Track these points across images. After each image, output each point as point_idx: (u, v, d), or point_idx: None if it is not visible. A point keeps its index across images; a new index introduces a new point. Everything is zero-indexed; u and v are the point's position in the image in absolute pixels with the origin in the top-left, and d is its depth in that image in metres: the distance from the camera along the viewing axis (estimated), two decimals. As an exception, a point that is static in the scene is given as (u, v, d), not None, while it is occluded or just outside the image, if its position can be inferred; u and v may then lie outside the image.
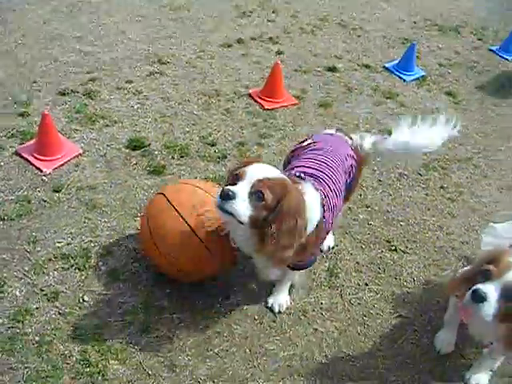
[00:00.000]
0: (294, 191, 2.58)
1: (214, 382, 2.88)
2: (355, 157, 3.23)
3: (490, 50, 6.83)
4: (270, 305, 3.28)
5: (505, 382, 3.18)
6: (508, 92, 6.10)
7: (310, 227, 2.70)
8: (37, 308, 3.07)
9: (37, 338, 2.92)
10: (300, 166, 2.99)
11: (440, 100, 5.65)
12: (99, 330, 3.01)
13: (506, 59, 6.70)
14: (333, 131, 3.38)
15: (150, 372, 2.87)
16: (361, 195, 4.23)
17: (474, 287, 2.44)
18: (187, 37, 5.69)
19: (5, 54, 4.96)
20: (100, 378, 2.79)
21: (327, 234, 3.18)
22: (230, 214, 2.49)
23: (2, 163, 3.92)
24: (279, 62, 4.88)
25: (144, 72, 5.03)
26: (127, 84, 4.84)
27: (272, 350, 3.08)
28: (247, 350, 3.06)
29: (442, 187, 4.52)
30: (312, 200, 2.72)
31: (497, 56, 6.75)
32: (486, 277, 2.48)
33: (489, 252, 2.72)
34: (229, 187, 2.48)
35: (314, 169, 2.97)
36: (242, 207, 2.47)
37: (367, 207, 4.15)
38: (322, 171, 2.96)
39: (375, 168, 4.53)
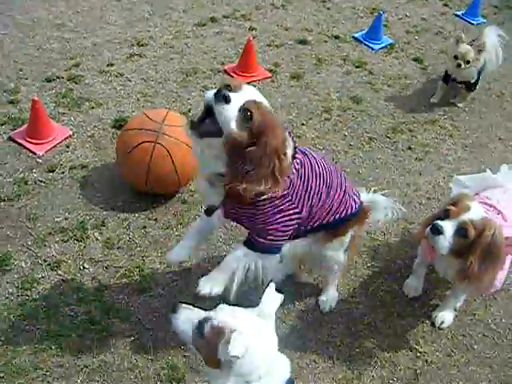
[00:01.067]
0: (279, 125, 2.46)
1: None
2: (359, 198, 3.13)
3: (456, 15, 7.12)
4: None
5: (468, 319, 3.55)
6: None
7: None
8: (42, 277, 3.38)
9: (44, 303, 3.24)
10: None
11: (407, 66, 5.95)
12: (100, 292, 3.33)
13: (471, 23, 7.00)
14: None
15: (148, 327, 3.20)
16: (333, 159, 4.55)
17: (433, 222, 2.86)
18: (162, 18, 5.93)
19: (-11, 45, 5.19)
20: (105, 333, 3.12)
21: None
22: (216, 120, 2.30)
23: (-3, 148, 4.20)
24: (251, 38, 5.13)
25: (124, 55, 5.29)
26: (109, 67, 5.10)
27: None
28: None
29: (409, 148, 4.85)
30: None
31: (462, 21, 7.04)
32: (446, 215, 2.89)
33: (453, 196, 3.19)
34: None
35: None
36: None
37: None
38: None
39: (346, 133, 4.84)
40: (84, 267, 3.47)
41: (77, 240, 3.62)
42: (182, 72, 5.19)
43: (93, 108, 4.64)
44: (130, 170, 3.82)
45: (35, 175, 4.03)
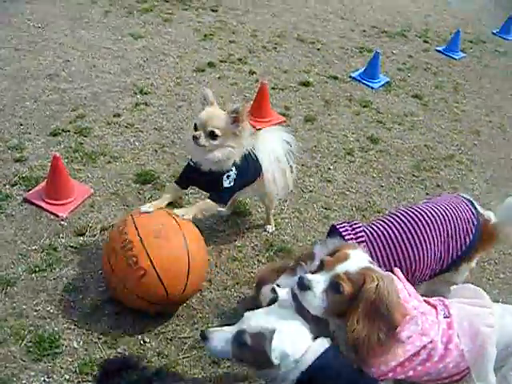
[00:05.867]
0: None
1: None
2: (474, 222, 2.98)
3: (438, 51, 7.22)
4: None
5: None
6: (464, 89, 6.46)
7: None
8: (100, 357, 2.95)
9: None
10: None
11: (409, 103, 5.91)
12: (171, 368, 2.94)
13: (454, 58, 7.10)
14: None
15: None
16: (369, 202, 4.35)
17: (301, 275, 2.34)
18: (158, 65, 5.65)
19: (-21, 99, 4.74)
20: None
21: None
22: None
23: (14, 213, 3.74)
24: (265, 82, 4.92)
25: (129, 104, 4.95)
26: (116, 118, 4.75)
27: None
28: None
29: (437, 185, 4.74)
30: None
31: (445, 56, 7.13)
32: (320, 267, 2.38)
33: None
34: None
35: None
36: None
37: (378, 212, 4.26)
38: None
39: (374, 175, 4.66)
40: (145, 341, 3.07)
41: (129, 310, 3.20)
42: (193, 120, 4.87)
43: (109, 162, 4.26)
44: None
45: (63, 240, 3.60)
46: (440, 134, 5.47)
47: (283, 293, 2.34)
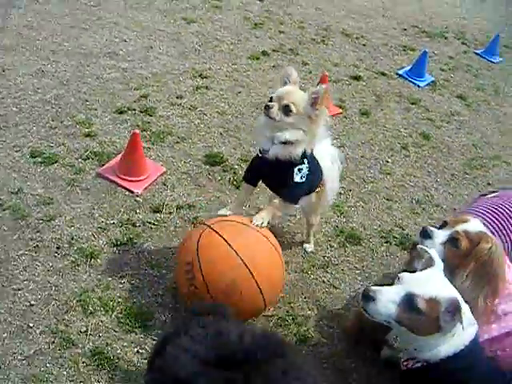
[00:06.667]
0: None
1: None
2: None
3: (476, 54, 7.30)
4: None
5: None
6: (504, 92, 6.55)
7: None
8: (189, 331, 3.00)
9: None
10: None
11: (454, 103, 6.00)
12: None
13: (492, 62, 7.20)
14: None
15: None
16: (427, 196, 4.44)
17: (424, 226, 2.69)
18: (214, 50, 5.70)
19: (43, 73, 4.74)
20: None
21: None
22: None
23: (89, 186, 3.78)
24: (326, 72, 4.97)
25: (190, 87, 4.99)
26: (179, 99, 4.79)
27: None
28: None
29: (488, 183, 4.84)
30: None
31: (482, 59, 7.22)
32: (442, 226, 2.69)
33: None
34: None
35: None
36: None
37: (437, 206, 4.35)
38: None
39: (429, 170, 4.75)
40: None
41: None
42: (253, 106, 4.94)
43: (177, 142, 4.32)
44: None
45: (140, 216, 3.65)
46: (485, 135, 5.57)
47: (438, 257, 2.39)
